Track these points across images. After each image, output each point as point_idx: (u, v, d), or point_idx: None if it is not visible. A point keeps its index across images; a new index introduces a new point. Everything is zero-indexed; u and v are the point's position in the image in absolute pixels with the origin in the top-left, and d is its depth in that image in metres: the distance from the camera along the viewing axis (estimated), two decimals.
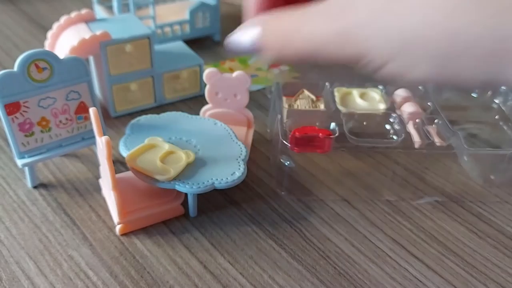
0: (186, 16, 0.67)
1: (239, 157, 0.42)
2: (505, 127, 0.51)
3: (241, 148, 0.43)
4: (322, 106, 0.49)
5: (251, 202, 0.44)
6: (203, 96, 0.48)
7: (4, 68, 0.39)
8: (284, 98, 0.49)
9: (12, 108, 0.40)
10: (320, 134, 0.42)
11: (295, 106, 0.48)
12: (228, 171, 0.40)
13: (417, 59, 0.23)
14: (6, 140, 0.49)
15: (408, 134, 0.45)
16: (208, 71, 0.45)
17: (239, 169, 0.40)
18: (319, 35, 0.25)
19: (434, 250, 0.40)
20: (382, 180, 0.46)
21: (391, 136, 0.48)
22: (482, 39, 0.20)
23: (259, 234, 0.41)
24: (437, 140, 0.44)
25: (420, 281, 0.38)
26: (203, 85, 0.57)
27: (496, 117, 0.52)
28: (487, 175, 0.46)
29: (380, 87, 0.52)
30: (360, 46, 0.24)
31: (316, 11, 0.26)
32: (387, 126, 0.48)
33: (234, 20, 0.75)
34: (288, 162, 0.43)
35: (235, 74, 0.45)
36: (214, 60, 0.65)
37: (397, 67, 0.23)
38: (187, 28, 0.67)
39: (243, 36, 0.31)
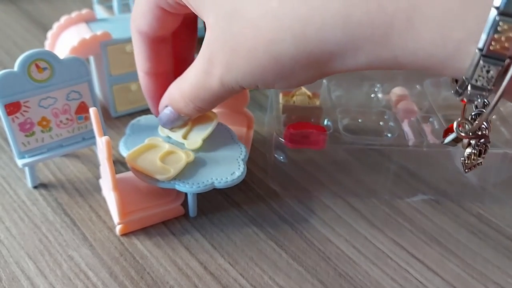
0: None
1: (239, 157, 0.41)
2: (502, 128, 0.51)
3: (241, 148, 0.43)
4: (318, 103, 0.49)
5: (251, 203, 0.44)
6: None
7: (4, 68, 0.39)
8: (280, 95, 0.49)
9: (12, 108, 0.40)
10: (315, 130, 0.42)
11: (292, 103, 0.48)
12: (228, 171, 0.40)
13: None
14: (6, 140, 0.49)
15: (403, 132, 0.45)
16: None
17: (239, 169, 0.40)
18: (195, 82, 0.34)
19: (435, 252, 0.40)
20: (376, 177, 0.46)
21: (385, 133, 0.48)
22: None
23: (259, 235, 0.41)
24: (431, 139, 0.44)
25: (421, 282, 0.38)
26: None
27: (494, 117, 0.52)
28: (482, 175, 0.46)
29: (378, 85, 0.52)
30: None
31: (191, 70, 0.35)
32: (382, 124, 0.49)
33: None
34: (282, 157, 0.43)
35: None
36: None
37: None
38: None
39: (164, 117, 0.38)
